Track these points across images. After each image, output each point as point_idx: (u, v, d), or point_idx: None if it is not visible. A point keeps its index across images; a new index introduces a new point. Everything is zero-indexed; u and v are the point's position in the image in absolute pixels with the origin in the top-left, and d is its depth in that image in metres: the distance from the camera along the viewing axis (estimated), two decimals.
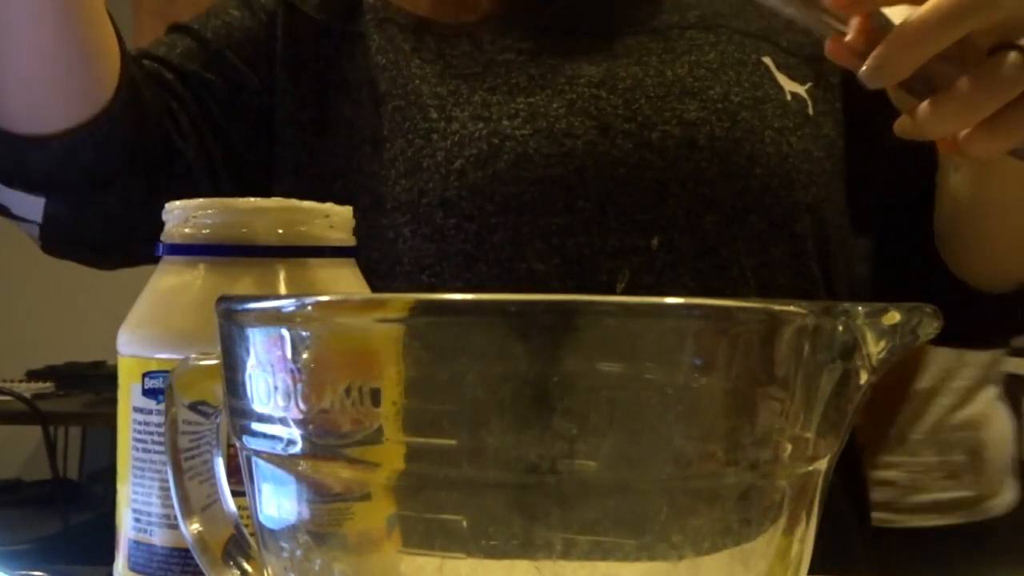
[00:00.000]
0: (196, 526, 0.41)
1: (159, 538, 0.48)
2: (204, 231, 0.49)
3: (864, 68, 0.54)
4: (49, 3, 0.66)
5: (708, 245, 0.75)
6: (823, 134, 0.79)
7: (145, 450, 0.48)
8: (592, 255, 0.74)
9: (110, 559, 0.51)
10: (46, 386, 3.10)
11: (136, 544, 0.48)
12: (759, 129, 0.76)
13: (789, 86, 0.80)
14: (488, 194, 0.74)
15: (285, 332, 0.32)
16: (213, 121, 0.80)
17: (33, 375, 3.24)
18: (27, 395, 2.72)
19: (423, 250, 0.75)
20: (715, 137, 0.76)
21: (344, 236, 0.52)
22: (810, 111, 0.79)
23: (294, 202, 0.51)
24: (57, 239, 0.77)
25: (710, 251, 0.75)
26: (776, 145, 0.77)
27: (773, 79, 0.79)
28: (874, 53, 0.53)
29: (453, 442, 0.30)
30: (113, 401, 0.50)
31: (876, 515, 0.93)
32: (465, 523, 0.31)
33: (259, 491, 0.35)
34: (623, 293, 0.73)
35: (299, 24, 0.82)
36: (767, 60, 0.79)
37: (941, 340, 0.88)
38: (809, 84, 0.80)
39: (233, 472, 0.39)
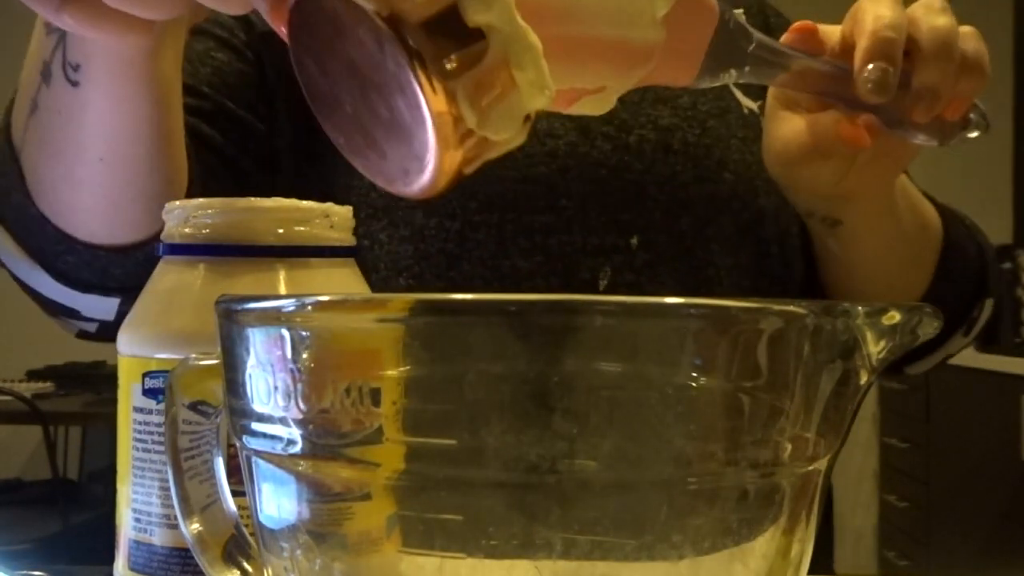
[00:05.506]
0: (196, 526, 0.41)
1: (159, 538, 0.48)
2: (204, 231, 0.49)
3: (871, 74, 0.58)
4: (145, 127, 0.63)
5: (684, 246, 0.77)
6: None
7: (145, 450, 0.48)
8: (574, 253, 0.75)
9: (110, 559, 0.51)
10: (46, 386, 3.11)
11: (136, 544, 0.48)
12: (725, 137, 0.80)
13: (745, 101, 0.84)
14: (471, 192, 0.75)
15: (285, 332, 0.32)
16: (224, 171, 0.77)
17: (33, 375, 3.24)
18: (27, 395, 2.72)
19: (400, 252, 0.75)
20: (688, 142, 0.79)
21: (344, 236, 0.52)
22: (763, 126, 0.81)
23: (294, 202, 0.51)
24: (115, 331, 0.76)
25: (687, 251, 0.77)
26: (741, 152, 0.80)
27: (732, 94, 0.84)
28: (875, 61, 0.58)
29: (453, 442, 0.30)
30: (113, 401, 0.50)
31: None
32: (465, 523, 0.31)
33: (259, 491, 0.35)
34: (605, 291, 0.75)
35: (286, 56, 0.80)
36: None
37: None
38: (760, 102, 0.82)
39: (233, 472, 0.39)
